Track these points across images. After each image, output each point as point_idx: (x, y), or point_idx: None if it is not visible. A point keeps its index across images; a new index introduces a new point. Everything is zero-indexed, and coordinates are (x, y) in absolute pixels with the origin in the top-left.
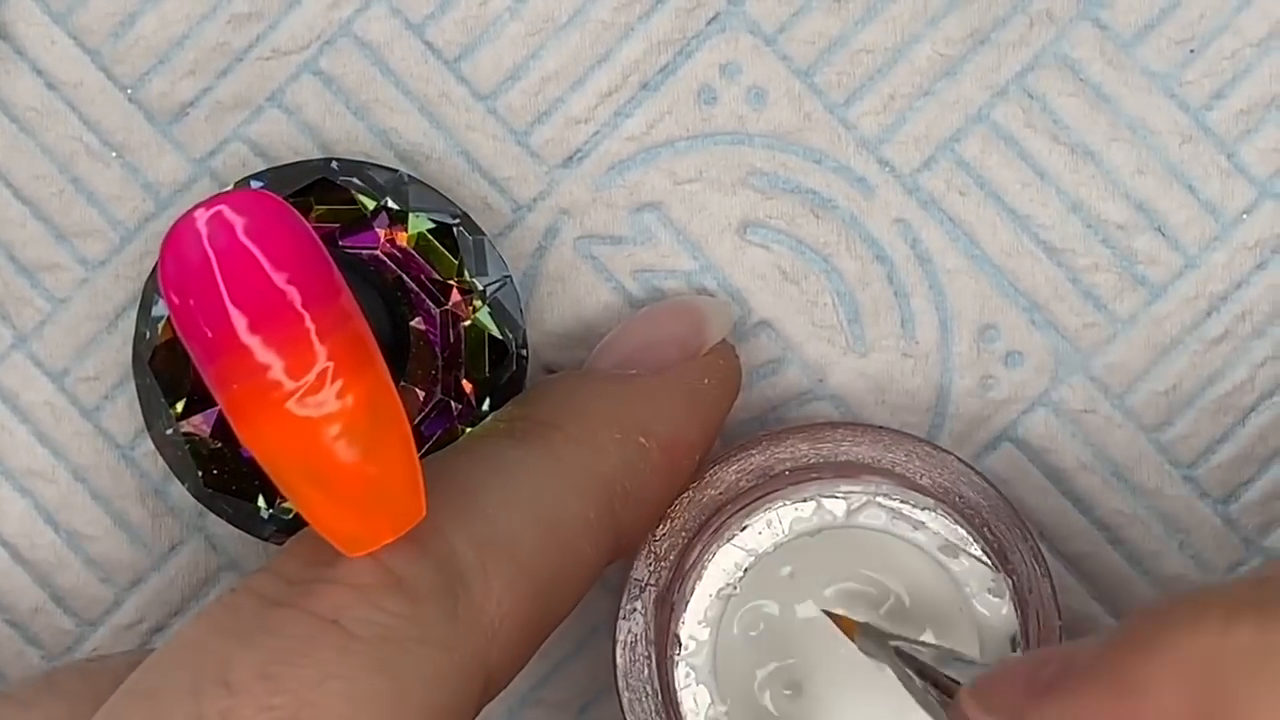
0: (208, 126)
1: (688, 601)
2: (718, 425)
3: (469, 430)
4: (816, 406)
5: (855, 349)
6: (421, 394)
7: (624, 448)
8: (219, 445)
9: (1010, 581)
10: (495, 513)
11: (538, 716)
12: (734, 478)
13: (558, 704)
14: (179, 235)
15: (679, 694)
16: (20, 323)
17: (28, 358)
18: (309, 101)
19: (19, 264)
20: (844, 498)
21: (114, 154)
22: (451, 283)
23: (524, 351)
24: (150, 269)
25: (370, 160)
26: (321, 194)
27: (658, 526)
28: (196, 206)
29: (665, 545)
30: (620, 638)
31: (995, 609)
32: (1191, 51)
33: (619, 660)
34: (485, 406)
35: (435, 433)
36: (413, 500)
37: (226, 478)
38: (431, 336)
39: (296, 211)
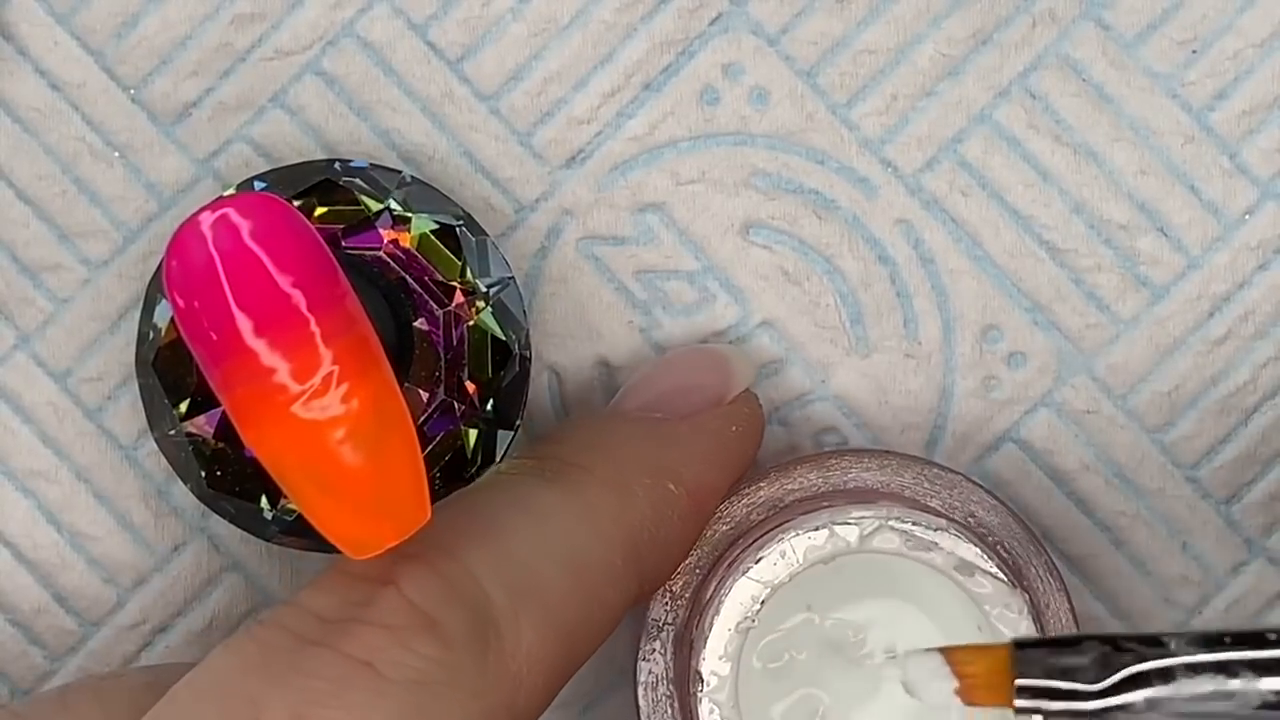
0: (210, 127)
1: (707, 637)
2: (743, 472)
3: (498, 468)
4: (818, 407)
5: (857, 350)
6: (425, 395)
7: (653, 494)
8: (222, 446)
9: (1027, 598)
10: (527, 558)
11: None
12: (744, 511)
13: (561, 704)
14: (184, 238)
15: None
16: (23, 323)
17: (30, 358)
18: (312, 102)
19: (22, 264)
20: (856, 523)
21: (117, 154)
22: (454, 284)
23: (527, 353)
24: (153, 269)
25: (373, 161)
26: (325, 195)
27: (688, 552)
28: (202, 209)
29: (680, 583)
30: (641, 679)
31: (1014, 626)
32: (1194, 52)
33: (641, 702)
34: (489, 407)
35: (438, 433)
36: (417, 503)
37: (229, 478)
38: (434, 337)
39: (302, 215)
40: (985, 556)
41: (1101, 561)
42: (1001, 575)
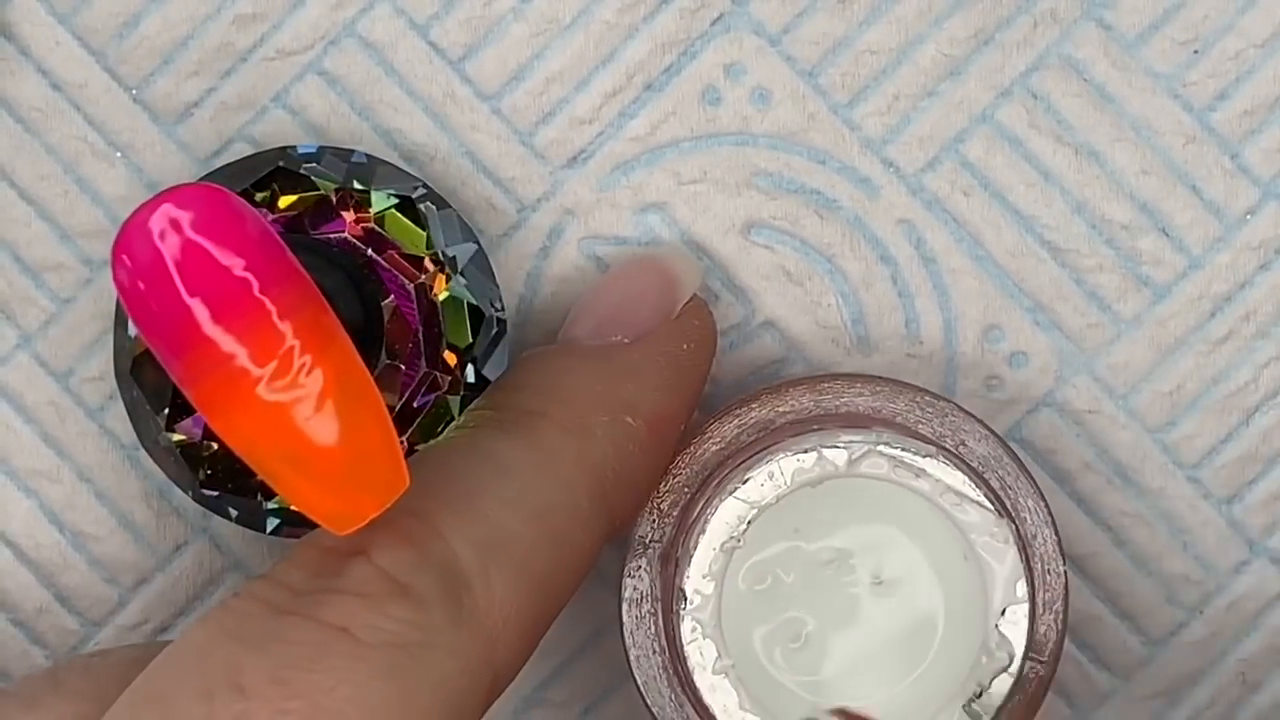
0: (212, 127)
1: (691, 556)
2: (699, 391)
3: (458, 422)
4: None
5: (859, 350)
6: (406, 369)
7: (612, 430)
8: (213, 447)
9: (1014, 527)
10: (493, 513)
11: (542, 716)
12: (735, 432)
13: (562, 704)
14: (128, 239)
15: (685, 649)
16: (25, 323)
17: (32, 358)
18: (313, 102)
19: (23, 264)
20: (845, 447)
21: (118, 154)
22: (422, 256)
23: (502, 315)
24: None
25: (332, 145)
26: (284, 183)
27: (659, 483)
28: (140, 208)
29: (668, 501)
30: (626, 595)
31: (1000, 555)
32: (1195, 52)
33: (625, 618)
34: (470, 374)
35: (425, 404)
36: (394, 471)
37: (223, 477)
38: (408, 312)
39: (243, 200)
40: (973, 485)
41: (1103, 561)
42: (989, 504)
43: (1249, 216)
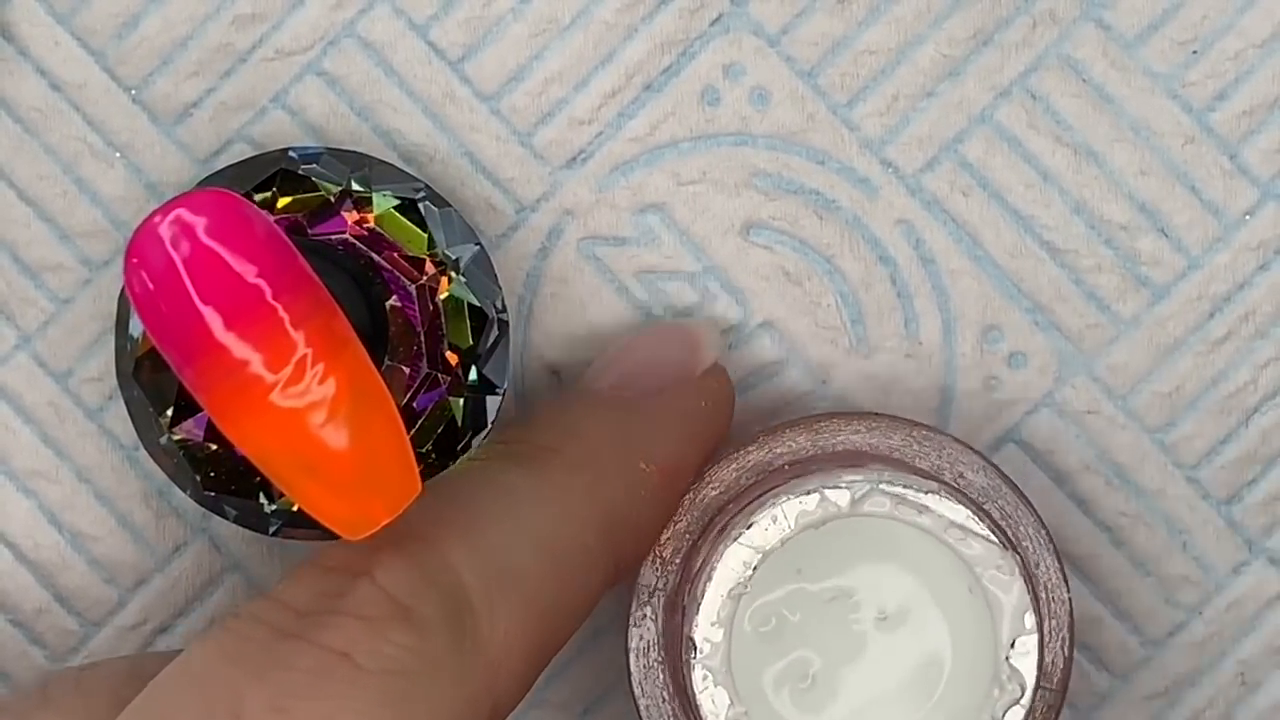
0: (211, 127)
1: (699, 604)
2: (714, 449)
3: (470, 454)
4: (819, 408)
5: (858, 350)
6: (407, 371)
7: (624, 473)
8: (213, 448)
9: (1018, 558)
10: (500, 543)
11: (541, 717)
12: (733, 476)
13: (560, 705)
14: (141, 244)
15: (697, 697)
16: (24, 323)
17: (31, 358)
18: (312, 102)
19: (22, 264)
20: (847, 487)
21: (118, 155)
22: (423, 257)
23: (504, 315)
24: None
25: (332, 146)
26: (284, 185)
27: (661, 531)
28: (154, 213)
29: (670, 549)
30: (632, 644)
31: (1005, 587)
32: (1194, 52)
33: (633, 668)
34: (473, 375)
35: (426, 406)
36: (406, 477)
37: (225, 479)
38: (410, 313)
39: (254, 205)
40: (976, 519)
41: (1102, 562)
42: (993, 537)
43: (1248, 217)
